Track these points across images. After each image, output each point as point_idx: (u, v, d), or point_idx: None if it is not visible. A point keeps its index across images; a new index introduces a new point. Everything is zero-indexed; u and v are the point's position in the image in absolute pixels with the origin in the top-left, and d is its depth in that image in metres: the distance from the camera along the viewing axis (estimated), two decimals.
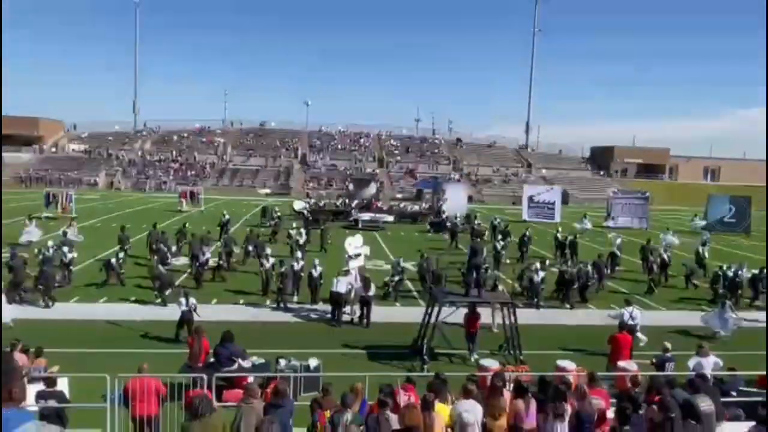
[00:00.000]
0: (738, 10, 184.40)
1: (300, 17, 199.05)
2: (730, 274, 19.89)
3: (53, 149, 73.69)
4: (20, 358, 10.14)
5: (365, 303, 16.38)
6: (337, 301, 16.27)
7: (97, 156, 70.18)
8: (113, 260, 19.32)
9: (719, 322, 15.60)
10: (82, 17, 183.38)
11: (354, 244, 18.53)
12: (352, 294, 16.70)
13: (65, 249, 19.36)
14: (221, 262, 21.24)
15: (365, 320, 16.41)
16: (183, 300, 14.42)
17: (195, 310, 14.47)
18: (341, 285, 16.36)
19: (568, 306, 18.79)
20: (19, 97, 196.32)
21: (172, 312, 15.13)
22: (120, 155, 70.27)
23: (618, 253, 24.55)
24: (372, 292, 16.60)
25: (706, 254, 24.69)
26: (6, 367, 2.47)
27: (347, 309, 16.78)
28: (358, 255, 18.12)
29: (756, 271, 20.19)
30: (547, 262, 21.43)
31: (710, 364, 10.26)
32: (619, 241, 25.65)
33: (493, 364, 10.83)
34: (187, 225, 27.48)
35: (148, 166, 67.84)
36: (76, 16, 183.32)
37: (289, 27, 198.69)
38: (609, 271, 23.19)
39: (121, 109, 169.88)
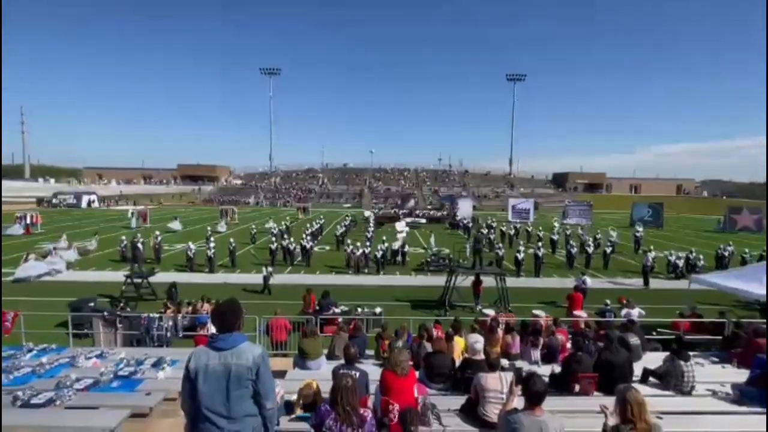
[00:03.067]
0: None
1: (367, 101, 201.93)
2: (652, 255, 18.24)
3: (224, 183, 77.26)
4: (205, 306, 10.64)
5: (403, 253, 20.04)
6: (394, 253, 20.06)
7: (249, 187, 72.74)
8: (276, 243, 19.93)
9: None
10: (241, 99, 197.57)
11: (400, 225, 24.23)
12: (399, 250, 19.95)
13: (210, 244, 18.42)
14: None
15: (403, 263, 19.70)
16: (264, 269, 15.00)
17: (271, 274, 14.88)
18: (396, 245, 20.25)
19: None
20: (204, 150, 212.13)
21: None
22: (262, 186, 72.70)
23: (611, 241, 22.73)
24: (406, 248, 20.32)
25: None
26: (238, 308, 2.47)
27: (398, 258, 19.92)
28: (401, 231, 22.33)
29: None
30: (522, 247, 20.53)
31: (636, 313, 9.67)
32: (615, 234, 24.60)
33: (490, 312, 10.57)
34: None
35: (278, 192, 69.94)
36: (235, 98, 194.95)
37: (361, 107, 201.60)
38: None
39: (263, 157, 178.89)
